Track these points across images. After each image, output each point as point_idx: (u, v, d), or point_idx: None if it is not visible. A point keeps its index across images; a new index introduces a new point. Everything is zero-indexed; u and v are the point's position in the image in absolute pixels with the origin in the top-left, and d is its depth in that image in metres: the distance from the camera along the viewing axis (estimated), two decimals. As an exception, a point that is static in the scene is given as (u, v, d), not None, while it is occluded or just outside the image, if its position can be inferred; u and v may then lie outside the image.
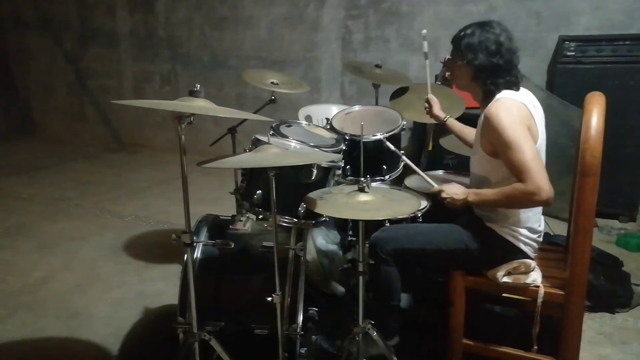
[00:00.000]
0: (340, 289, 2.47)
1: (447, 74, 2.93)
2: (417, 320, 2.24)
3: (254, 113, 2.31)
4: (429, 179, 2.02)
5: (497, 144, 1.67)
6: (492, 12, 4.05)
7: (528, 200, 1.61)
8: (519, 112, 1.67)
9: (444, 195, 1.83)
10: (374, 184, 1.90)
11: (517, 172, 1.61)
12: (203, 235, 1.97)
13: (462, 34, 1.79)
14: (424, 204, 2.18)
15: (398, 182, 2.47)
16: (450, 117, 2.25)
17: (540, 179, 1.57)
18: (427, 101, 2.28)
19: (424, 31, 2.25)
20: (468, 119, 2.26)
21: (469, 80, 1.81)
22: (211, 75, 5.58)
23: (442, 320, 1.94)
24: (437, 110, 2.27)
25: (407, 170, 2.53)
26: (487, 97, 1.77)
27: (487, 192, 1.74)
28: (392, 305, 1.95)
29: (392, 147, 2.31)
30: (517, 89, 1.76)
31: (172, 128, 5.82)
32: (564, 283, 1.74)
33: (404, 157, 2.26)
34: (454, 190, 1.81)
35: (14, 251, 3.24)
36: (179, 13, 5.61)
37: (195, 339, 1.69)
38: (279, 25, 5.12)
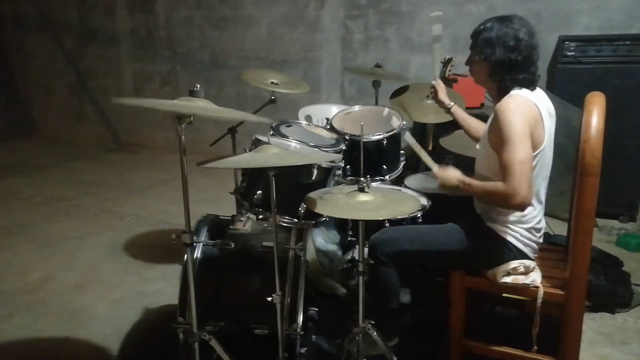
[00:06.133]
0: (342, 290, 2.47)
1: (449, 72, 2.94)
2: (417, 320, 2.24)
3: (254, 113, 2.32)
4: (429, 160, 1.98)
5: (499, 138, 1.67)
6: (492, 12, 4.04)
7: (502, 200, 1.62)
8: (528, 112, 1.66)
9: (437, 174, 1.84)
10: (374, 184, 1.90)
11: (503, 170, 1.62)
12: (203, 235, 1.97)
13: (481, 27, 1.77)
14: (424, 204, 2.18)
15: (398, 182, 2.47)
16: (454, 104, 2.24)
17: (520, 184, 1.57)
18: (433, 86, 2.27)
19: (437, 13, 2.22)
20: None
21: (486, 76, 1.79)
22: (211, 75, 5.58)
23: (442, 320, 1.93)
24: (443, 95, 2.26)
25: (407, 170, 2.54)
26: (502, 93, 1.75)
27: (476, 183, 1.73)
28: (392, 306, 1.95)
29: (396, 124, 2.27)
30: (533, 88, 1.75)
31: (171, 128, 5.80)
32: (564, 283, 1.74)
33: (407, 135, 2.20)
34: (447, 176, 1.81)
35: (14, 251, 3.24)
36: (179, 13, 5.60)
37: (195, 339, 1.69)
38: (279, 25, 5.12)
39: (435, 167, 1.89)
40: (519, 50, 1.70)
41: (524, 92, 1.72)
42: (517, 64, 1.71)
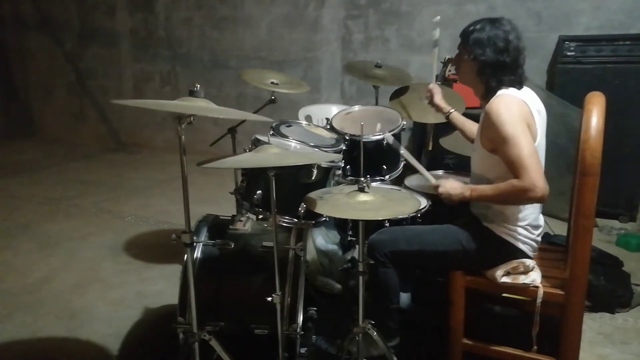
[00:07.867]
0: (337, 286, 2.46)
1: (449, 72, 2.94)
2: (417, 320, 2.24)
3: (254, 113, 2.32)
4: (427, 174, 2.03)
5: (495, 140, 1.67)
6: (492, 12, 4.05)
7: (523, 196, 1.61)
8: (519, 108, 1.67)
9: (441, 190, 1.83)
10: (374, 184, 1.90)
11: (513, 168, 1.62)
12: (203, 235, 1.97)
13: (471, 28, 1.78)
14: (423, 204, 2.18)
15: (398, 182, 2.47)
16: (454, 110, 2.23)
17: (535, 176, 1.57)
18: (429, 90, 2.25)
19: (437, 18, 2.23)
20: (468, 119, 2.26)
21: (473, 75, 1.79)
22: (211, 75, 5.58)
23: (442, 320, 1.93)
24: (439, 99, 2.24)
25: (407, 170, 2.54)
26: (489, 93, 1.76)
27: (484, 188, 1.74)
28: (392, 306, 1.95)
29: (392, 139, 2.29)
30: (520, 87, 1.76)
31: (171, 128, 5.82)
32: (564, 283, 1.74)
33: (403, 150, 2.24)
34: (451, 185, 1.81)
35: (14, 251, 3.24)
36: (179, 13, 5.61)
37: (195, 339, 1.69)
38: (279, 25, 5.13)
39: (434, 181, 1.91)
40: (508, 52, 1.72)
41: (512, 90, 1.73)
42: (505, 66, 1.73)
